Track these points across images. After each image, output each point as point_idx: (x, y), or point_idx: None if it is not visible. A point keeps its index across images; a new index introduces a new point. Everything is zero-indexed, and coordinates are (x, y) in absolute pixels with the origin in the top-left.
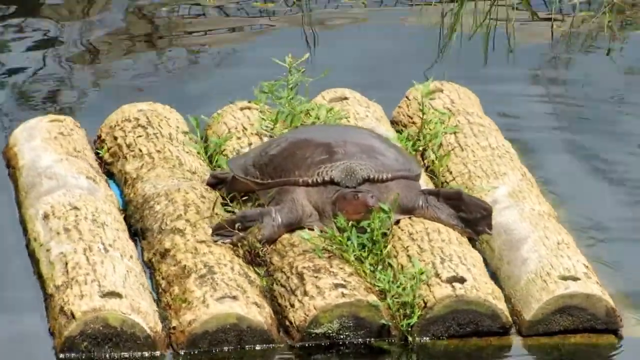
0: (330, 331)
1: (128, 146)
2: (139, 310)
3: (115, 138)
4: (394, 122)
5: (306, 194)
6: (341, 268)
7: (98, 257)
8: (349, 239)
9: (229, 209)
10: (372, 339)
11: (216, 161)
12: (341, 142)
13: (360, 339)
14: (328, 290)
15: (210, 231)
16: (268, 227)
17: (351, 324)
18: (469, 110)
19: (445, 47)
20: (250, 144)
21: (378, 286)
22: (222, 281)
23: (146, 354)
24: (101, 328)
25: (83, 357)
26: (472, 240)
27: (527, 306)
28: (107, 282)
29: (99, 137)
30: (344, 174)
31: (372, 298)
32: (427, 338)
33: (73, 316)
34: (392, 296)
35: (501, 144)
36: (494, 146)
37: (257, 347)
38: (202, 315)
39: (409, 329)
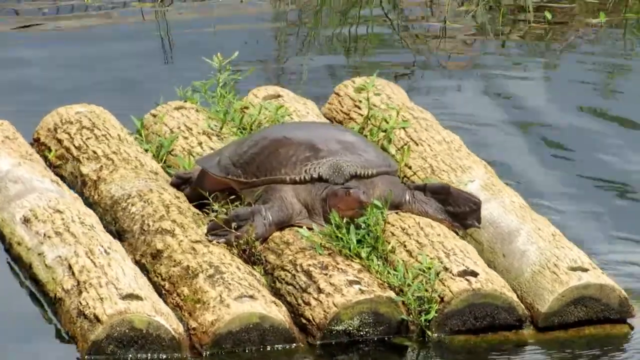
0: (350, 328)
1: (78, 148)
2: (160, 311)
3: (60, 141)
4: (326, 119)
5: (294, 192)
6: (348, 265)
7: (103, 259)
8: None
9: (214, 208)
10: (391, 335)
11: (163, 161)
12: (323, 140)
13: (379, 335)
14: (344, 286)
15: (200, 231)
16: (259, 225)
17: (371, 320)
18: (408, 105)
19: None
20: (200, 143)
21: (390, 282)
22: (233, 280)
23: (171, 355)
24: (127, 331)
25: None
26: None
27: (540, 298)
28: (122, 285)
29: (37, 140)
30: (331, 170)
31: (391, 294)
32: (444, 333)
33: (97, 320)
34: (411, 291)
35: (453, 138)
36: (448, 140)
37: (279, 347)
38: (224, 315)
39: (427, 324)
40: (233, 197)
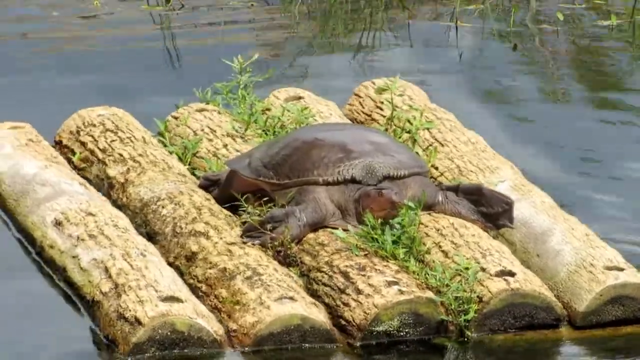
0: (390, 329)
1: (103, 151)
2: (202, 314)
3: (84, 144)
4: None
5: (327, 193)
6: (385, 265)
7: (140, 262)
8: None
9: (245, 210)
10: (431, 335)
11: (189, 164)
12: (355, 141)
13: (419, 336)
14: (384, 287)
15: (234, 233)
16: (294, 227)
17: (411, 321)
18: (430, 106)
19: None
20: (225, 145)
21: (428, 283)
22: (272, 282)
23: (213, 357)
24: (169, 333)
25: None
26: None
27: (577, 298)
28: (162, 287)
29: (59, 142)
30: (364, 171)
31: (430, 294)
32: (484, 333)
33: (139, 322)
34: (450, 292)
35: (478, 139)
36: (473, 141)
37: (319, 347)
38: (265, 317)
39: (466, 324)
40: (265, 199)
